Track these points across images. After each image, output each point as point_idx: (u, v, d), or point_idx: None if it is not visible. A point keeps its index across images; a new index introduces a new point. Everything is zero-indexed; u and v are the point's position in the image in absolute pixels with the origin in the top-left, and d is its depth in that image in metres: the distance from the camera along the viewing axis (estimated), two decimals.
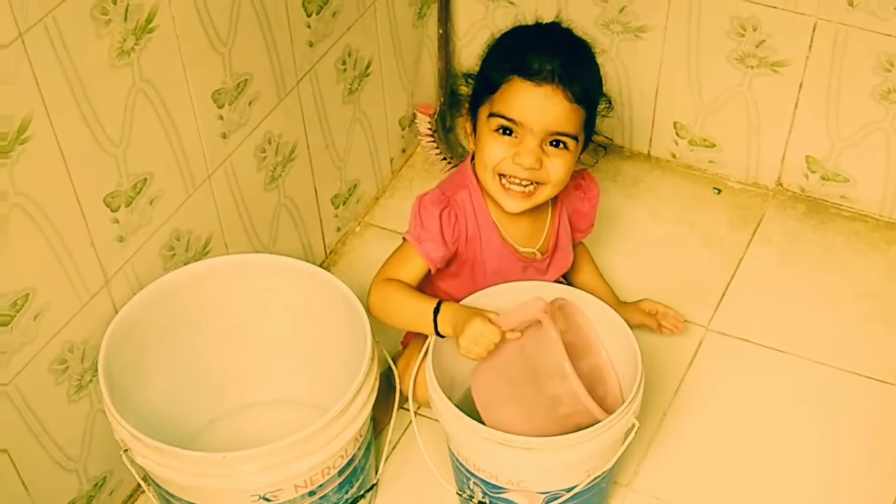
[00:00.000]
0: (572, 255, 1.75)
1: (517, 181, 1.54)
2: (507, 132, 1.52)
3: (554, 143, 1.53)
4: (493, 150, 1.54)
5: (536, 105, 1.50)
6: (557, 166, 1.54)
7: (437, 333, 1.51)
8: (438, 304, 1.51)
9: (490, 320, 1.46)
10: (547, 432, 1.46)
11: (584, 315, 1.57)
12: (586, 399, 1.43)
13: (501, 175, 1.55)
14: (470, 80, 1.62)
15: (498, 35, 1.61)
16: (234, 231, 1.72)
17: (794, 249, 2.05)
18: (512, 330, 1.48)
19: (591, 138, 1.60)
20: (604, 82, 1.60)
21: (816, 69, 1.94)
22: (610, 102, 1.63)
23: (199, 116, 1.55)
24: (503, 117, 1.51)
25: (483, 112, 1.55)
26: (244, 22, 1.57)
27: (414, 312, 1.53)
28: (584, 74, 1.54)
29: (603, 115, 1.62)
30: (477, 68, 1.60)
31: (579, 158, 1.60)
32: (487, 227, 1.62)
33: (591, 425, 1.44)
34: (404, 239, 1.60)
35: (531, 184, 1.55)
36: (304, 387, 1.72)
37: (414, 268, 1.59)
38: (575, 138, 1.53)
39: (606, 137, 1.66)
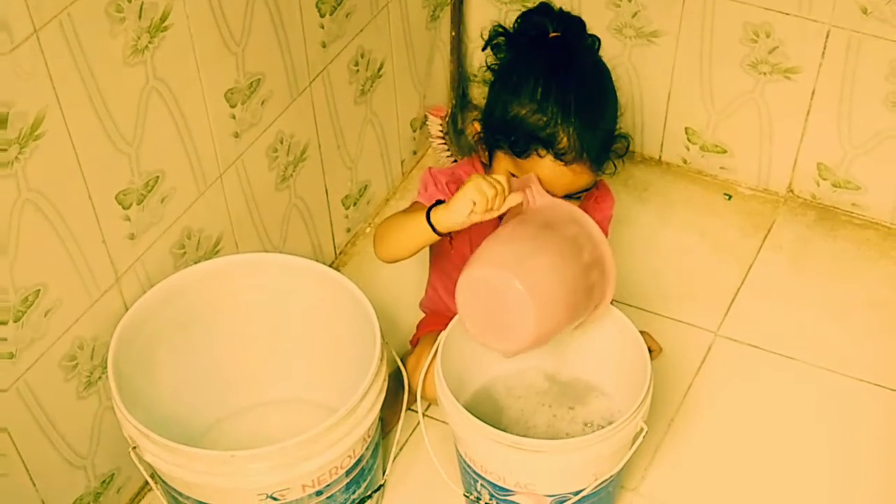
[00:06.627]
0: None
1: None
2: None
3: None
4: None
5: (565, 178, 1.52)
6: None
7: (434, 231, 1.50)
8: (430, 207, 1.51)
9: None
10: (574, 286, 1.46)
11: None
12: (600, 239, 1.47)
13: None
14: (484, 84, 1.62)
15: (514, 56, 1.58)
16: (244, 230, 1.73)
17: (805, 256, 2.04)
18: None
19: None
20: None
21: (829, 76, 1.94)
22: (628, 143, 1.63)
23: (211, 115, 1.55)
24: None
25: (504, 160, 1.55)
26: (258, 22, 1.57)
27: (409, 224, 1.54)
28: (607, 131, 1.55)
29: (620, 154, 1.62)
30: (490, 70, 1.60)
31: None
32: None
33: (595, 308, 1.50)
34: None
35: None
36: (313, 386, 1.72)
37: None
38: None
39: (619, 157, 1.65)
